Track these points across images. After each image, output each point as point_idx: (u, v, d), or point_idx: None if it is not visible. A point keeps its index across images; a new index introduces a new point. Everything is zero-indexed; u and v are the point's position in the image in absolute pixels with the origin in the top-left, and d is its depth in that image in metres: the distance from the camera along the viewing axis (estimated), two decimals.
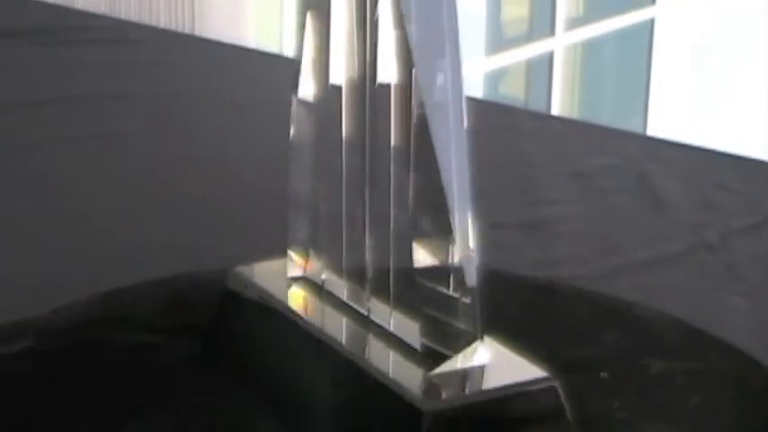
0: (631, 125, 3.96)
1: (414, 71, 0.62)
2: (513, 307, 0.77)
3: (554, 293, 0.82)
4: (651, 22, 4.35)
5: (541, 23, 4.08)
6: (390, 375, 0.64)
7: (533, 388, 0.64)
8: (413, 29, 0.62)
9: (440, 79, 0.63)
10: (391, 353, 0.66)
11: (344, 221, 0.68)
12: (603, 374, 0.70)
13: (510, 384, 0.64)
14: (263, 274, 0.73)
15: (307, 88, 0.69)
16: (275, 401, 0.67)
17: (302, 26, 0.69)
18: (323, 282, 0.70)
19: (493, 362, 0.65)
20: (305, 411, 0.66)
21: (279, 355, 0.69)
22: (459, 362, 0.65)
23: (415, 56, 0.62)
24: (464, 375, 0.65)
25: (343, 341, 0.67)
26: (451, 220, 0.64)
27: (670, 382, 0.72)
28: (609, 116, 4.14)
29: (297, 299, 0.71)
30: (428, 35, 0.63)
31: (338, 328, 0.68)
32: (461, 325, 0.65)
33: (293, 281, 0.72)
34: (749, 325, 0.81)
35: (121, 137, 1.07)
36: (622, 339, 0.76)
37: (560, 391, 0.63)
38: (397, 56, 0.63)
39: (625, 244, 0.92)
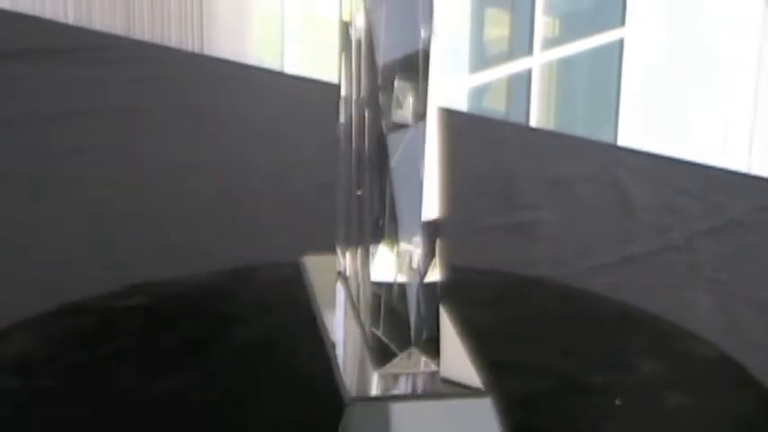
0: (603, 136, 3.96)
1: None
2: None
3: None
4: (621, 42, 4.35)
5: (521, 43, 4.08)
6: (341, 369, 0.64)
7: (461, 399, 0.62)
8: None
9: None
10: (359, 349, 0.65)
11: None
12: (618, 402, 0.68)
13: (437, 392, 0.63)
14: (319, 267, 0.73)
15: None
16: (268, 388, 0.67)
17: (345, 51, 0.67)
18: (346, 278, 0.70)
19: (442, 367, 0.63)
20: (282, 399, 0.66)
21: (285, 345, 0.69)
22: (403, 365, 0.63)
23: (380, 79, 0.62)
24: (398, 377, 0.63)
25: (331, 333, 0.67)
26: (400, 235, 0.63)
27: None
28: (582, 127, 4.14)
29: (323, 293, 0.70)
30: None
31: (335, 322, 0.68)
32: (410, 331, 0.63)
33: (339, 275, 0.71)
34: (712, 319, 0.81)
35: (136, 148, 1.07)
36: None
37: (492, 405, 0.61)
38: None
39: (598, 245, 0.91)
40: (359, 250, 0.66)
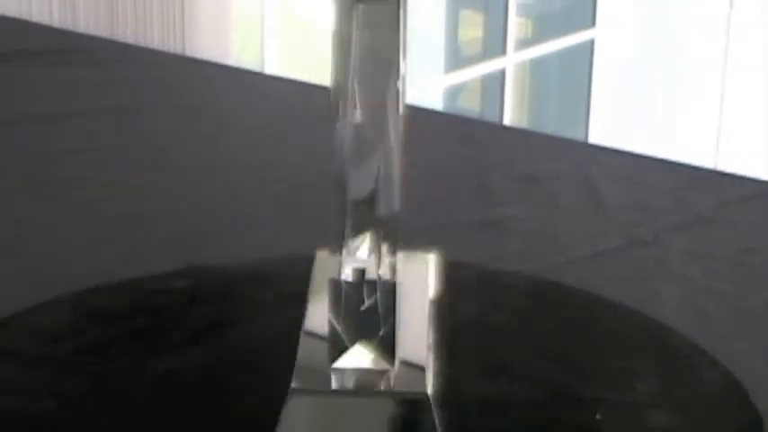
0: (575, 134, 3.96)
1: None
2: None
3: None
4: (591, 43, 4.36)
5: (494, 44, 4.08)
6: (301, 362, 0.63)
7: (399, 399, 0.62)
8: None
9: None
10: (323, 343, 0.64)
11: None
12: (599, 416, 0.67)
13: (376, 390, 0.62)
14: (326, 261, 0.73)
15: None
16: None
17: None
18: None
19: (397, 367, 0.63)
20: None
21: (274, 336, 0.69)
22: (356, 361, 0.63)
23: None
24: (349, 372, 0.63)
25: (310, 325, 0.66)
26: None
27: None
28: (554, 126, 4.15)
29: (319, 287, 0.70)
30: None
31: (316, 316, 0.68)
32: (373, 327, 0.63)
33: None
34: (680, 311, 0.81)
35: (125, 147, 1.07)
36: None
37: (434, 410, 0.61)
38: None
39: (570, 240, 0.92)
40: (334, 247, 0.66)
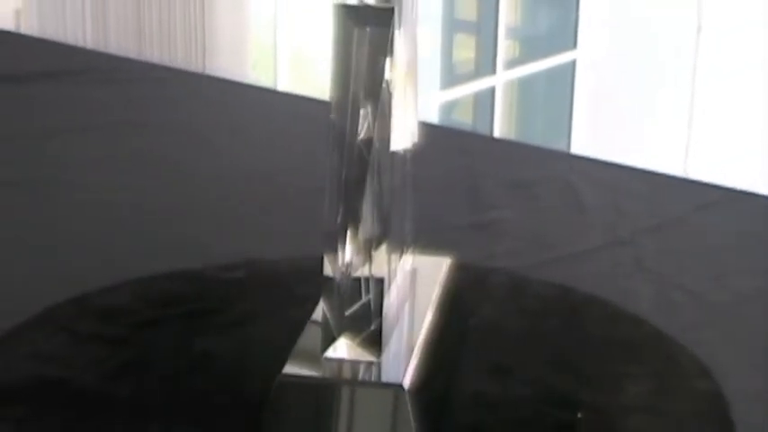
0: (558, 145, 3.96)
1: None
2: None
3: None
4: (573, 63, 4.36)
5: (485, 64, 4.08)
6: (295, 351, 0.63)
7: (377, 390, 0.61)
8: None
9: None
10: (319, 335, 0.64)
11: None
12: (580, 415, 0.66)
13: (359, 380, 0.61)
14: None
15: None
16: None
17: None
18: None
19: (383, 359, 0.62)
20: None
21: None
22: (344, 352, 0.63)
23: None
24: (337, 362, 0.62)
25: (316, 317, 0.66)
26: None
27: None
28: (540, 138, 4.15)
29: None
30: None
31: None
32: (364, 324, 0.63)
33: None
34: (654, 304, 0.81)
35: (151, 156, 1.07)
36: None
37: (408, 400, 0.60)
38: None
39: (554, 241, 0.92)
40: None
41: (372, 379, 0.62)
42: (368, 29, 0.61)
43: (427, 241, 0.73)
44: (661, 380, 0.70)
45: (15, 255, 0.86)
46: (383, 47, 0.62)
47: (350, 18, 0.61)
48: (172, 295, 0.78)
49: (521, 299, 0.79)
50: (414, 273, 0.72)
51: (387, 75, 0.62)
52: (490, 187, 1.02)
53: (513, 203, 0.99)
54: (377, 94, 0.62)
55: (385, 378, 0.62)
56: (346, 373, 0.62)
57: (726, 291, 0.84)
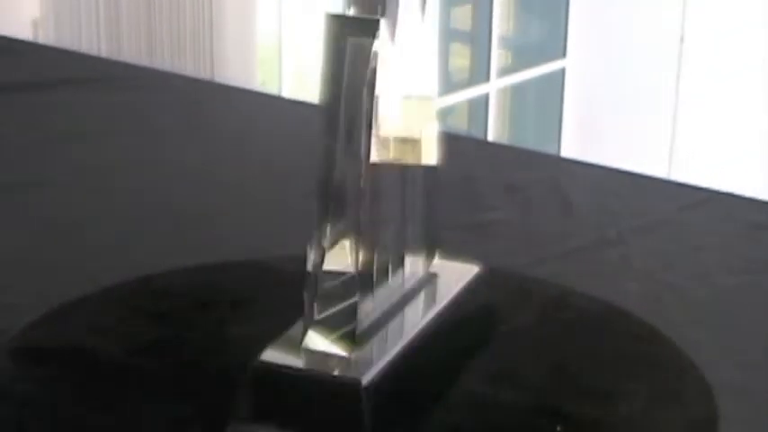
0: (548, 148, 3.96)
1: None
2: None
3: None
4: (563, 71, 4.36)
5: (479, 72, 4.08)
6: (278, 342, 0.63)
7: (338, 385, 0.60)
8: None
9: None
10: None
11: None
12: (559, 429, 0.64)
13: (318, 373, 0.61)
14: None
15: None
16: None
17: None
18: None
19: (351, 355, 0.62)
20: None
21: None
22: (322, 344, 0.62)
23: None
24: (313, 354, 0.62)
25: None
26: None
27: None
28: (531, 142, 4.15)
29: None
30: None
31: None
32: (343, 321, 0.62)
33: None
34: (640, 300, 0.81)
35: (162, 161, 1.07)
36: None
37: (363, 395, 0.59)
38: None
39: (545, 240, 0.91)
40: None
41: (336, 372, 0.61)
42: (350, 39, 0.61)
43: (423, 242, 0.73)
44: (649, 373, 0.70)
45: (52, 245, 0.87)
46: (365, 56, 0.61)
47: (339, 27, 0.61)
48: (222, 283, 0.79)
49: (544, 308, 0.77)
50: (432, 277, 0.71)
51: (373, 83, 0.62)
52: (484, 189, 1.02)
53: (506, 204, 0.99)
54: (359, 102, 0.62)
55: (351, 373, 0.61)
56: (314, 365, 0.62)
57: (709, 288, 0.84)
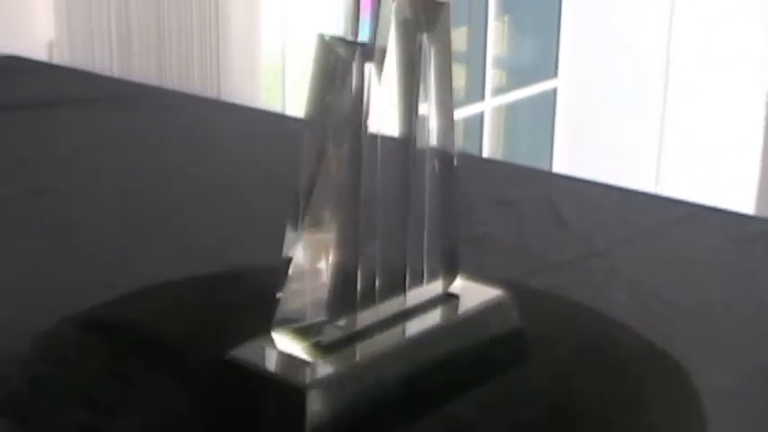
0: (541, 165, 3.96)
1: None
2: None
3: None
4: (554, 90, 4.37)
5: (474, 91, 4.09)
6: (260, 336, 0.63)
7: (284, 387, 0.61)
8: None
9: None
10: None
11: None
12: None
13: (268, 373, 0.61)
14: None
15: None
16: None
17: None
18: None
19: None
20: None
21: None
22: (287, 347, 0.63)
23: None
24: (276, 353, 0.62)
25: None
26: None
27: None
28: (525, 158, 4.15)
29: None
30: None
31: None
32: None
33: None
34: (628, 309, 0.81)
35: (172, 174, 1.07)
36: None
37: (307, 400, 0.59)
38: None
39: (537, 252, 0.92)
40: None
41: (287, 375, 0.61)
42: (337, 57, 0.62)
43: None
44: (634, 376, 0.70)
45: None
46: (346, 76, 0.62)
47: (327, 47, 0.63)
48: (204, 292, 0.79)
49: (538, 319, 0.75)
50: (448, 297, 0.70)
51: (359, 99, 0.62)
52: (479, 203, 1.02)
53: (500, 218, 0.99)
54: (342, 115, 0.63)
55: (303, 378, 0.61)
56: (272, 365, 0.62)
57: (694, 297, 0.84)
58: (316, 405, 0.59)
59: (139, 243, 0.90)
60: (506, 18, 4.25)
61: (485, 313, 0.70)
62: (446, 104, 0.67)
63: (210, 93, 2.36)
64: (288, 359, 0.62)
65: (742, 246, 0.94)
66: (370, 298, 0.65)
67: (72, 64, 1.82)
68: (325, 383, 0.61)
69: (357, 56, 0.62)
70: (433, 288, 0.70)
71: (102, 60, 2.41)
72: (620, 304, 0.82)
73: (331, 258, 0.62)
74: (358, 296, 0.64)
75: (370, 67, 0.63)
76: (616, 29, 4.28)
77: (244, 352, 0.62)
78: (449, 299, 0.70)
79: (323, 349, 0.62)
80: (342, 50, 0.62)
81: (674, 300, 0.83)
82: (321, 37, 0.63)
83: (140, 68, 2.40)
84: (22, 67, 1.41)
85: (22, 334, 0.72)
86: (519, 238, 0.95)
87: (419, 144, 0.67)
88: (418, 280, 0.68)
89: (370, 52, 0.63)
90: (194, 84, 2.38)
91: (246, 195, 1.02)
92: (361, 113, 0.63)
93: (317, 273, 0.63)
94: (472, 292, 0.71)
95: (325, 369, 0.61)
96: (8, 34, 2.16)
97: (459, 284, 0.71)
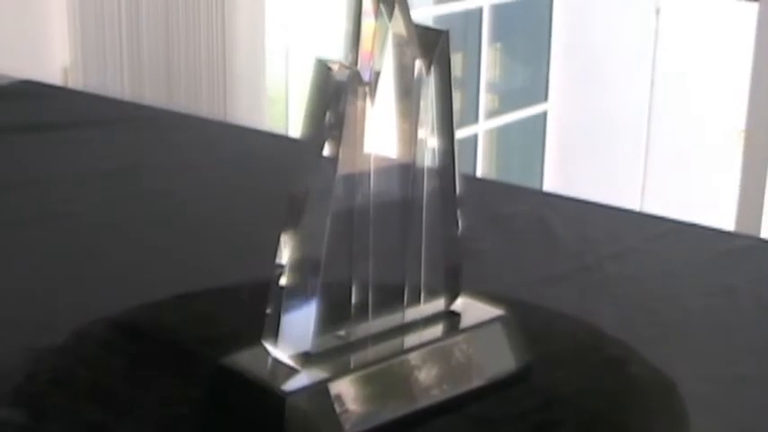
0: (532, 184, 3.97)
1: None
2: None
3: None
4: (545, 113, 4.38)
5: (469, 114, 4.09)
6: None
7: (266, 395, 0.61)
8: None
9: None
10: None
11: None
12: None
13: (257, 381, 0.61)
14: None
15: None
16: None
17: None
18: None
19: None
20: None
21: None
22: (278, 355, 0.63)
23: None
24: (268, 360, 0.63)
25: None
26: None
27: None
28: (516, 177, 4.15)
29: None
30: None
31: None
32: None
33: None
34: (615, 321, 0.81)
35: (179, 192, 1.07)
36: None
37: (286, 410, 0.59)
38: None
39: (529, 266, 0.91)
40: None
41: (270, 381, 0.61)
42: (332, 80, 0.63)
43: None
44: (623, 387, 0.70)
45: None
46: (341, 98, 0.63)
47: (324, 71, 0.63)
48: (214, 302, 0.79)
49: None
50: (448, 315, 0.69)
51: (353, 121, 0.63)
52: (473, 220, 1.02)
53: (493, 234, 0.99)
54: (338, 135, 0.63)
55: (284, 385, 0.61)
56: (260, 372, 0.62)
57: (679, 309, 0.84)
58: (295, 412, 0.59)
59: (151, 259, 0.90)
60: (499, 45, 4.26)
61: (483, 332, 0.69)
62: (447, 127, 0.67)
63: (217, 115, 2.36)
64: (274, 366, 0.62)
65: (722, 260, 0.94)
66: (364, 312, 0.65)
67: (86, 88, 1.82)
68: (307, 391, 0.60)
69: (352, 79, 0.63)
70: (435, 305, 0.69)
71: (115, 84, 2.41)
72: (607, 316, 0.81)
73: (321, 272, 0.62)
74: (352, 309, 0.64)
75: (365, 90, 0.63)
76: (603, 56, 4.29)
77: (238, 358, 0.62)
78: (449, 316, 0.70)
79: (311, 359, 0.62)
80: (338, 73, 0.63)
81: (660, 311, 0.83)
82: (318, 61, 0.63)
83: (151, 92, 2.41)
84: (38, 92, 1.41)
85: (29, 349, 0.72)
86: (511, 254, 0.95)
87: (420, 164, 0.67)
88: (418, 297, 0.68)
89: (366, 75, 0.63)
90: (202, 106, 2.39)
91: (255, 212, 1.02)
92: (355, 134, 0.63)
93: (308, 285, 0.63)
94: (474, 311, 0.70)
95: (308, 377, 0.61)
96: (25, 60, 2.16)
97: (461, 302, 0.70)
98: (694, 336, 0.80)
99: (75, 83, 2.38)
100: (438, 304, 0.69)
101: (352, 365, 0.63)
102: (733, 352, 0.77)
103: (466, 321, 0.69)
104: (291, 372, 0.62)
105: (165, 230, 0.97)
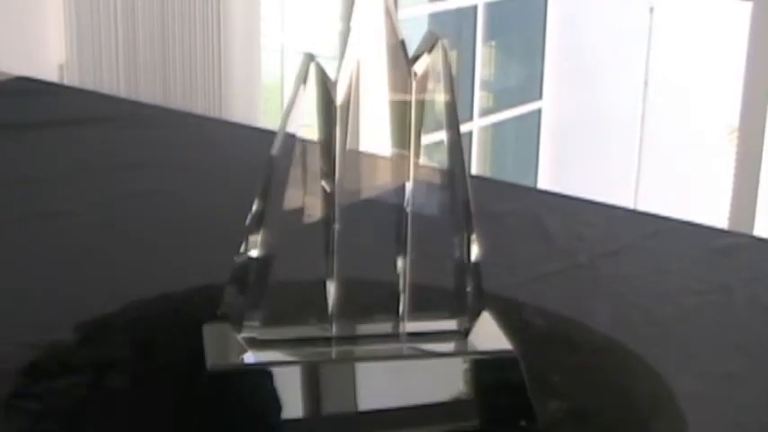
0: (526, 181, 3.97)
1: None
2: None
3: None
4: (539, 111, 4.38)
5: (463, 111, 4.09)
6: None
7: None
8: None
9: None
10: None
11: None
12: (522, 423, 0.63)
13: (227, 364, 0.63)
14: None
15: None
16: None
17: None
18: None
19: None
20: None
21: None
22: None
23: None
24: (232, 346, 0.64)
25: None
26: None
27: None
28: (510, 175, 4.15)
29: None
30: None
31: None
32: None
33: None
34: (610, 319, 0.81)
35: (176, 190, 1.07)
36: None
37: (206, 381, 0.62)
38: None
39: (523, 265, 0.91)
40: None
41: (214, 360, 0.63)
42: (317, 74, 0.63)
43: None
44: (616, 381, 0.70)
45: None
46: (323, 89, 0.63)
47: (310, 64, 0.64)
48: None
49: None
50: (453, 335, 0.67)
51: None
52: None
53: (488, 232, 0.99)
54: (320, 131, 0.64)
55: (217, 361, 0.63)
56: (212, 347, 0.64)
57: (672, 307, 0.84)
58: (217, 387, 0.62)
59: (150, 257, 0.90)
60: (493, 43, 4.26)
61: (467, 366, 0.66)
62: (453, 127, 0.67)
63: (212, 113, 2.36)
64: (225, 343, 0.64)
65: (716, 258, 0.94)
66: (344, 312, 0.65)
67: (81, 85, 1.82)
68: (232, 368, 0.63)
69: (337, 73, 0.63)
70: (446, 324, 0.67)
71: (110, 82, 2.41)
72: (601, 313, 0.81)
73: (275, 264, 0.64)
74: (331, 308, 0.64)
75: (351, 85, 0.63)
76: (597, 54, 4.30)
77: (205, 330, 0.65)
78: (452, 336, 0.67)
79: (264, 344, 0.64)
80: (323, 68, 0.63)
81: (653, 309, 0.83)
82: (306, 55, 0.63)
83: (146, 89, 2.40)
84: (34, 89, 1.41)
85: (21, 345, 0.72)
86: (505, 251, 0.95)
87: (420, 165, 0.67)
88: (418, 309, 0.67)
89: (353, 71, 0.63)
90: (197, 104, 2.38)
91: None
92: (337, 128, 0.63)
93: (267, 275, 0.64)
94: (482, 338, 0.67)
95: (251, 358, 0.63)
96: (21, 57, 2.16)
97: (479, 326, 0.67)
98: (688, 333, 0.80)
99: (71, 80, 2.37)
100: (450, 324, 0.67)
101: (297, 357, 0.64)
102: (726, 349, 0.77)
103: (464, 347, 0.67)
104: (239, 351, 0.63)
105: (162, 228, 0.97)
